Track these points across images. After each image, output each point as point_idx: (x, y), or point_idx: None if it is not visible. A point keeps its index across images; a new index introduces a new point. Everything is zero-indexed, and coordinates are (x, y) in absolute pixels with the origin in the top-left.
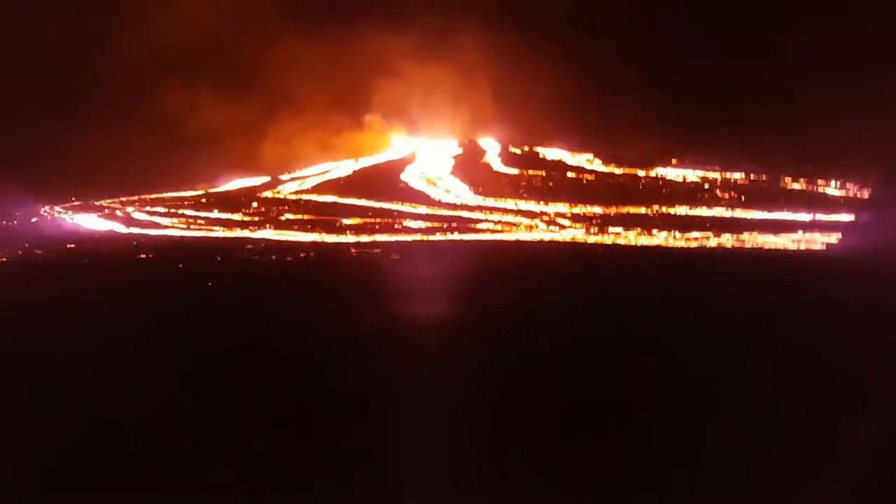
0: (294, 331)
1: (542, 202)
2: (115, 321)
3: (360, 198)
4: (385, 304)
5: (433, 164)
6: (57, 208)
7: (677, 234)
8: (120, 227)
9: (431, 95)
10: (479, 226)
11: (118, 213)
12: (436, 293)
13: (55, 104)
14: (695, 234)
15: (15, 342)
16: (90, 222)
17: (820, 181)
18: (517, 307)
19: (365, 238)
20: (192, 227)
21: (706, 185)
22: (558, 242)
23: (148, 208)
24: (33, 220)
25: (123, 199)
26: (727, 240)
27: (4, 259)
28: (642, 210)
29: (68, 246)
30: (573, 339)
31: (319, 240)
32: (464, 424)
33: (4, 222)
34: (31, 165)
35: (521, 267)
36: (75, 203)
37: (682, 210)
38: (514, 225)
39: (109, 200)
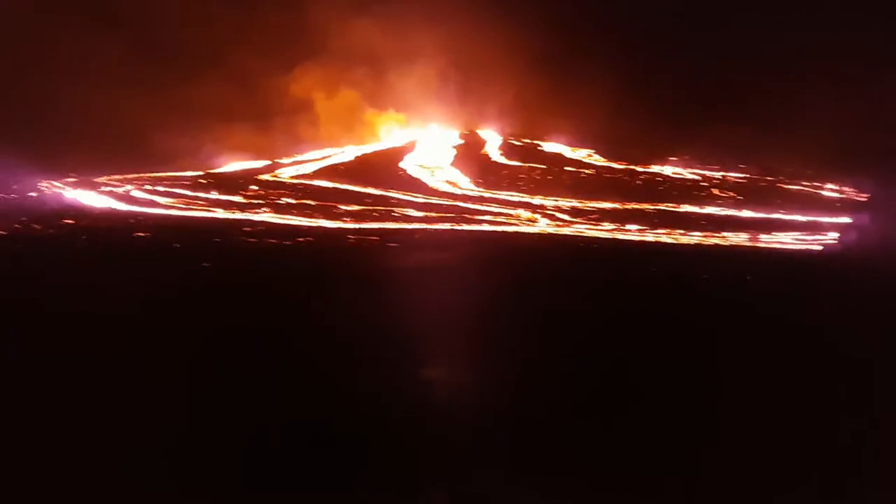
0: (289, 315)
1: (541, 195)
2: (110, 297)
3: (359, 185)
4: (381, 293)
5: (433, 153)
6: (56, 183)
7: (674, 231)
8: (118, 205)
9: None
10: (478, 217)
11: (117, 190)
12: (433, 282)
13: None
14: (691, 231)
15: (11, 314)
16: (89, 199)
17: (818, 182)
18: (517, 299)
19: (363, 225)
20: (190, 207)
21: (704, 183)
22: (557, 236)
23: (147, 187)
24: (31, 194)
25: (122, 176)
26: (724, 238)
27: (3, 232)
28: (639, 206)
29: (66, 221)
30: (572, 334)
31: (318, 225)
32: (457, 420)
33: (3, 196)
34: (31, 140)
35: (520, 259)
36: (74, 179)
37: (679, 207)
38: (514, 217)
39: (108, 177)
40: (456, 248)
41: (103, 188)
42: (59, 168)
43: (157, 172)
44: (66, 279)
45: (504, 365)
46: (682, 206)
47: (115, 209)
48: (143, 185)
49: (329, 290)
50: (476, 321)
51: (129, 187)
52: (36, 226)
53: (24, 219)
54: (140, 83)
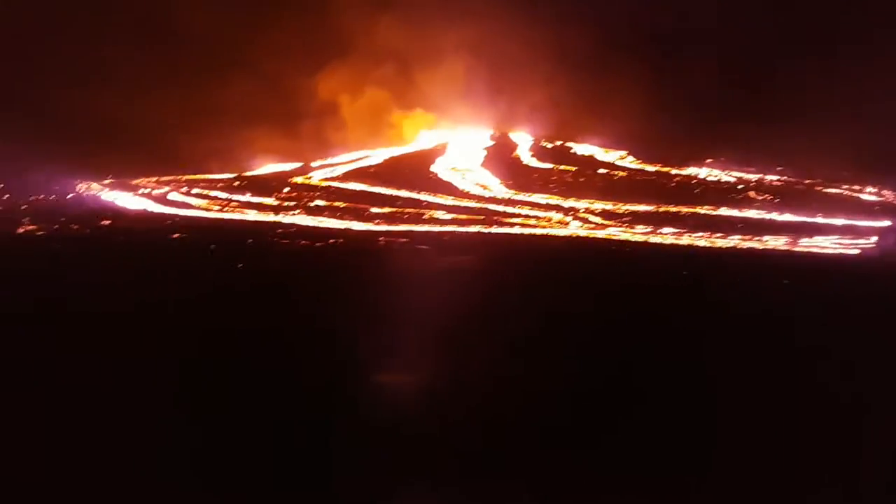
0: (320, 316)
1: (572, 198)
2: (145, 297)
3: (389, 187)
4: (409, 295)
5: (464, 155)
6: (93, 185)
7: (709, 235)
8: (154, 206)
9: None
10: (509, 220)
11: (153, 192)
12: (462, 285)
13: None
14: (726, 234)
15: (49, 313)
16: (126, 200)
17: (856, 185)
18: (544, 303)
19: (393, 227)
20: (225, 209)
21: (740, 186)
22: (589, 239)
23: (183, 189)
24: (70, 195)
25: (158, 178)
26: (762, 241)
27: (42, 232)
28: (675, 209)
29: (103, 222)
30: (600, 337)
31: (348, 227)
32: (477, 427)
33: (42, 197)
34: (71, 141)
35: (550, 262)
36: (111, 181)
37: (716, 210)
38: (545, 220)
39: (144, 179)
40: (486, 251)
41: (140, 190)
42: (95, 170)
43: (191, 175)
44: (102, 279)
45: (524, 370)
46: (718, 209)
47: (151, 210)
48: (178, 187)
49: (358, 292)
50: (499, 323)
51: (164, 189)
52: (74, 226)
53: (62, 219)
54: (170, 87)
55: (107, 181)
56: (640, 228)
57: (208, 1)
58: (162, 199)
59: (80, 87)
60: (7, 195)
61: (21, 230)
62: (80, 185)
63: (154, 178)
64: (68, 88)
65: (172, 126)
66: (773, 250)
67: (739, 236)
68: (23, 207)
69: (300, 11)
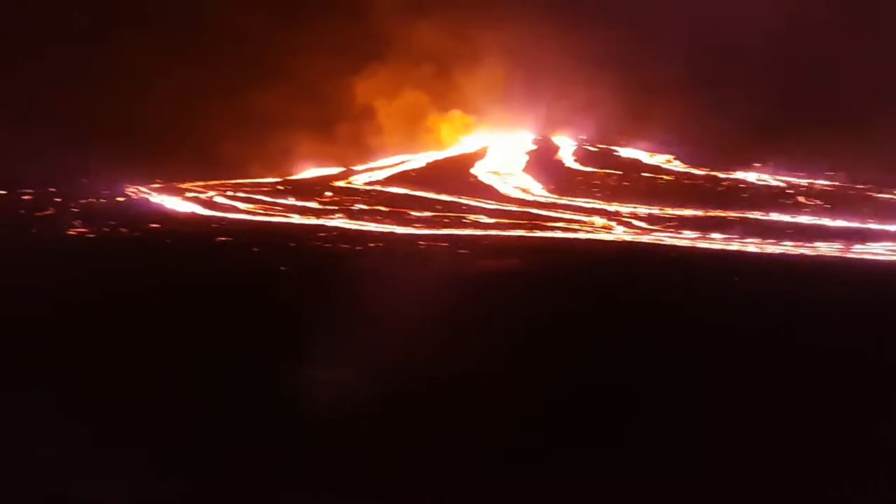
0: (360, 318)
1: (616, 202)
2: (193, 297)
3: (430, 191)
4: (449, 299)
5: (505, 159)
6: (142, 189)
7: (759, 240)
8: (201, 210)
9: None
10: (551, 224)
11: (200, 196)
12: (504, 289)
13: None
14: (777, 240)
15: (98, 313)
16: (174, 204)
17: None
18: (588, 307)
19: (434, 231)
20: (269, 212)
21: (790, 191)
22: (633, 243)
23: (229, 193)
24: (120, 199)
25: (204, 182)
26: (812, 248)
27: (92, 235)
28: (722, 214)
29: (152, 225)
30: (643, 343)
31: (389, 231)
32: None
33: (93, 200)
34: (122, 147)
35: (593, 267)
36: (159, 185)
37: (767, 215)
38: (588, 224)
39: (192, 183)
40: (528, 256)
41: (187, 194)
42: (144, 175)
43: (237, 179)
44: (151, 281)
45: (565, 372)
46: (768, 214)
47: (198, 214)
48: (224, 191)
49: (399, 295)
50: (542, 327)
51: (211, 193)
52: (123, 229)
53: (112, 222)
54: (215, 94)
55: (156, 185)
56: (687, 233)
57: (252, 7)
58: (209, 203)
59: (130, 94)
60: (59, 198)
61: (72, 232)
62: (129, 189)
63: (201, 183)
64: (119, 96)
65: (219, 132)
66: (825, 257)
67: (790, 242)
68: (74, 210)
69: (341, 15)
